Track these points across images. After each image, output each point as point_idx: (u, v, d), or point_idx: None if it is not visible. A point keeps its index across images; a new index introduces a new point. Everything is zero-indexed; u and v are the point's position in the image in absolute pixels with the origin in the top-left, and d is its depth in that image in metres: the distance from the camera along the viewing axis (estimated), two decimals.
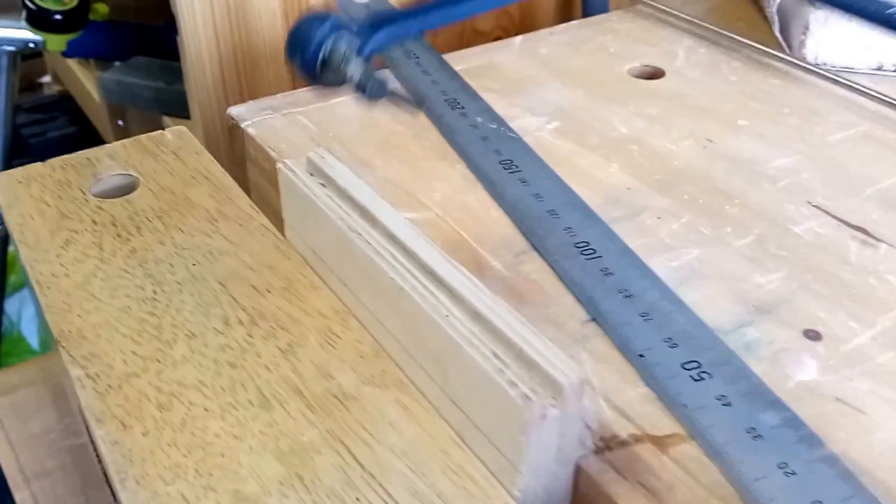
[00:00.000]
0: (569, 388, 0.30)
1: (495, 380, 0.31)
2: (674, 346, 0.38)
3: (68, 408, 0.56)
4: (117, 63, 1.07)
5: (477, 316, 0.34)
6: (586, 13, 0.91)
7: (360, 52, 0.38)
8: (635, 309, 0.40)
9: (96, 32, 0.99)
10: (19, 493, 0.53)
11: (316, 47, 0.38)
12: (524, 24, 0.92)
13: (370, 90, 0.38)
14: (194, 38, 0.73)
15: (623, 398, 0.36)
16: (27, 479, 0.54)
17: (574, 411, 0.31)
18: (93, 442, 0.38)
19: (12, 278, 1.29)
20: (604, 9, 0.90)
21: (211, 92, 0.76)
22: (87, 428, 0.37)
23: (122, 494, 0.33)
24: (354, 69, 0.38)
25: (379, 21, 0.40)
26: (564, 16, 0.95)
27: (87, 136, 1.40)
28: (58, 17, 0.94)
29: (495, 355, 0.32)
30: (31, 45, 0.96)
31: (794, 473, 0.32)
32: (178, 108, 0.99)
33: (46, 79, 1.64)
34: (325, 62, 0.38)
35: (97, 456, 0.39)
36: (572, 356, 0.37)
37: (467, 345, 0.32)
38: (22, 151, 1.38)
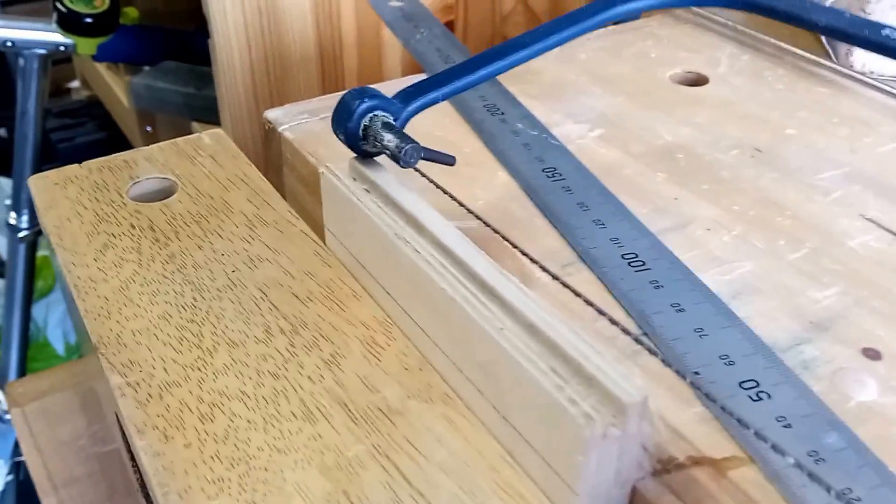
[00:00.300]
0: (632, 408, 0.29)
1: (554, 397, 0.30)
2: (730, 363, 0.37)
3: (98, 414, 0.56)
4: (147, 68, 1.07)
5: (532, 329, 0.32)
6: (618, 20, 0.90)
7: (395, 123, 0.41)
8: (688, 324, 0.39)
9: (127, 36, 0.99)
10: (47, 499, 0.53)
11: (356, 121, 0.40)
12: None
13: (405, 159, 0.39)
14: (226, 42, 0.72)
15: (679, 418, 0.35)
16: (55, 487, 0.53)
17: (635, 432, 0.30)
18: (129, 450, 0.37)
19: (39, 283, 1.28)
20: (635, 15, 0.89)
21: (242, 96, 0.75)
22: (126, 437, 0.36)
23: None
24: (389, 141, 0.39)
25: (413, 92, 0.42)
26: None
27: (115, 142, 1.40)
28: (88, 20, 0.94)
29: (553, 371, 0.31)
30: (62, 48, 0.96)
31: (858, 500, 0.31)
32: (208, 113, 0.99)
33: (75, 84, 1.65)
34: (364, 135, 0.40)
35: (134, 466, 0.38)
36: (632, 374, 0.36)
37: (523, 359, 0.31)
38: (51, 156, 1.39)
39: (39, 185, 0.47)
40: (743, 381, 0.36)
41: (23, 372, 1.15)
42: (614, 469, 0.31)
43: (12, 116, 1.03)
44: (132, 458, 0.38)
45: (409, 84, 0.43)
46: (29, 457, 0.54)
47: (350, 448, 0.34)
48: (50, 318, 1.38)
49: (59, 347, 1.38)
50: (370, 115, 0.40)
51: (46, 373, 0.59)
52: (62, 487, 0.53)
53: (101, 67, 1.27)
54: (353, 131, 0.40)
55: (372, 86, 0.43)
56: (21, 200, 1.06)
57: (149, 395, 0.36)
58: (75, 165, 0.49)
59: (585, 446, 0.29)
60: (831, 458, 0.32)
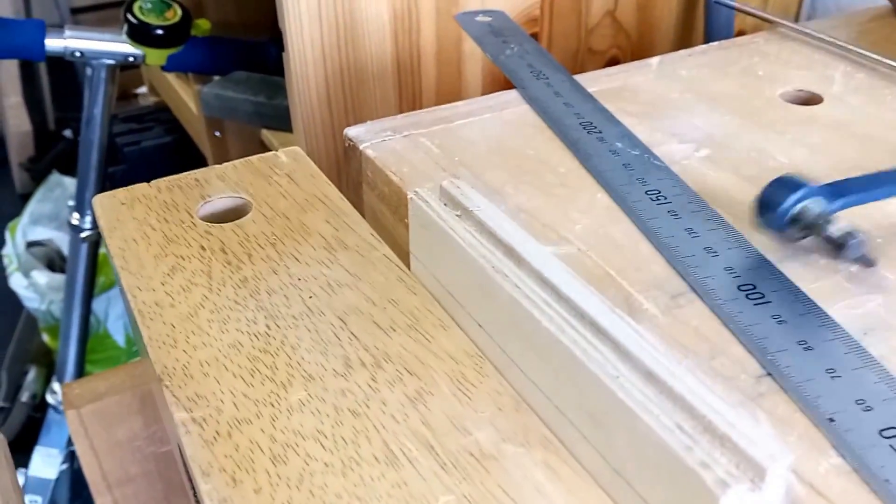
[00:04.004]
0: (773, 472, 0.25)
1: (681, 457, 0.26)
2: (868, 408, 0.33)
3: (155, 415, 0.54)
4: (217, 77, 1.05)
5: (651, 377, 0.29)
6: (709, 36, 0.86)
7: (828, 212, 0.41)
8: (819, 363, 0.35)
9: (197, 48, 0.97)
10: (101, 498, 0.52)
11: (785, 211, 0.41)
12: (642, 44, 0.88)
13: (852, 251, 0.40)
14: (301, 55, 0.70)
15: (814, 471, 0.31)
16: (109, 486, 0.52)
17: (775, 496, 0.26)
18: (193, 489, 0.34)
19: (101, 279, 1.29)
20: (728, 32, 0.85)
21: (316, 109, 0.73)
22: (191, 480, 0.33)
23: None
24: (835, 233, 0.40)
25: (840, 189, 0.42)
26: (684, 37, 0.91)
27: (182, 146, 1.41)
28: (159, 31, 0.93)
29: (680, 428, 0.27)
30: (131, 58, 0.95)
31: None
32: (278, 121, 0.98)
33: (143, 90, 1.66)
34: (794, 221, 0.41)
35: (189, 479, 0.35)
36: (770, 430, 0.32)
37: (644, 413, 0.27)
38: (117, 159, 1.39)
39: (105, 204, 0.44)
40: (884, 429, 0.32)
41: (81, 367, 1.15)
42: None
43: (79, 118, 1.02)
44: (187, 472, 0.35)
45: (837, 181, 0.43)
46: (84, 456, 0.52)
47: (439, 498, 0.30)
48: (111, 312, 1.39)
49: (120, 339, 1.38)
50: (803, 203, 0.41)
51: (104, 374, 0.56)
52: (116, 486, 0.52)
53: (169, 76, 1.27)
54: (783, 215, 0.41)
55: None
56: (84, 202, 1.05)
57: (216, 432, 0.32)
58: (143, 184, 0.46)
59: None
60: None
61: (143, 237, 0.42)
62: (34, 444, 1.20)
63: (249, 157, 0.48)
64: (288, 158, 0.48)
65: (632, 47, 0.87)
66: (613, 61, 0.87)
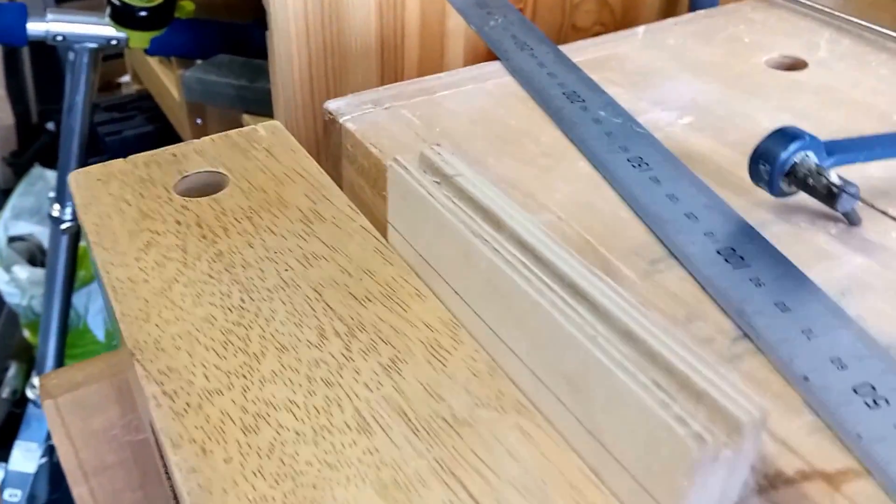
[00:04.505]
0: (749, 427, 0.25)
1: (658, 414, 0.25)
2: (843, 367, 0.33)
3: (132, 404, 0.53)
4: (199, 61, 1.04)
5: (629, 336, 0.28)
6: (694, 7, 0.85)
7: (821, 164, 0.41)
8: (795, 324, 0.34)
9: (180, 30, 0.97)
10: (77, 488, 0.51)
11: (789, 155, 0.41)
12: (626, 20, 0.87)
13: (843, 202, 0.40)
14: (284, 33, 0.69)
15: (787, 429, 0.31)
16: (86, 475, 0.52)
17: (749, 452, 0.26)
18: (167, 471, 0.33)
19: (81, 273, 1.29)
20: (713, 3, 0.85)
21: (298, 88, 0.72)
22: (164, 460, 0.32)
23: None
24: (833, 180, 0.40)
25: (840, 146, 0.42)
26: (668, 12, 0.90)
27: (164, 135, 1.40)
28: (142, 13, 0.92)
29: (656, 384, 0.26)
30: (114, 42, 0.94)
31: None
32: (260, 106, 0.97)
33: (126, 79, 1.65)
34: (789, 174, 0.41)
35: (166, 472, 0.35)
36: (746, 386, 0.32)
37: (621, 371, 0.27)
38: (98, 150, 1.39)
39: (80, 180, 0.44)
40: (858, 387, 0.32)
41: (60, 362, 1.15)
42: (719, 491, 0.26)
43: (60, 110, 1.02)
44: (169, 475, 0.35)
45: (840, 139, 0.43)
46: (61, 446, 0.52)
47: (410, 463, 0.30)
48: (91, 306, 1.39)
49: (100, 334, 1.38)
50: (803, 153, 0.41)
51: (81, 364, 0.56)
52: (93, 475, 0.51)
53: (152, 61, 1.26)
54: (782, 164, 0.41)
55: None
56: (65, 193, 1.04)
57: (187, 404, 0.32)
58: (120, 160, 0.45)
59: (692, 470, 0.25)
60: None
61: (118, 213, 0.42)
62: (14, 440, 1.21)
63: (228, 132, 0.47)
64: (266, 132, 0.48)
65: (616, 24, 0.87)
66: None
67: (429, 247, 0.37)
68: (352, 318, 0.36)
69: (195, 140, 0.47)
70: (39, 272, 1.39)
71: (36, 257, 1.48)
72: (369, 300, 0.37)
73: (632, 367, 0.27)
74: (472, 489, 0.29)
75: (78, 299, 1.35)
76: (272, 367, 0.33)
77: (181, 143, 0.46)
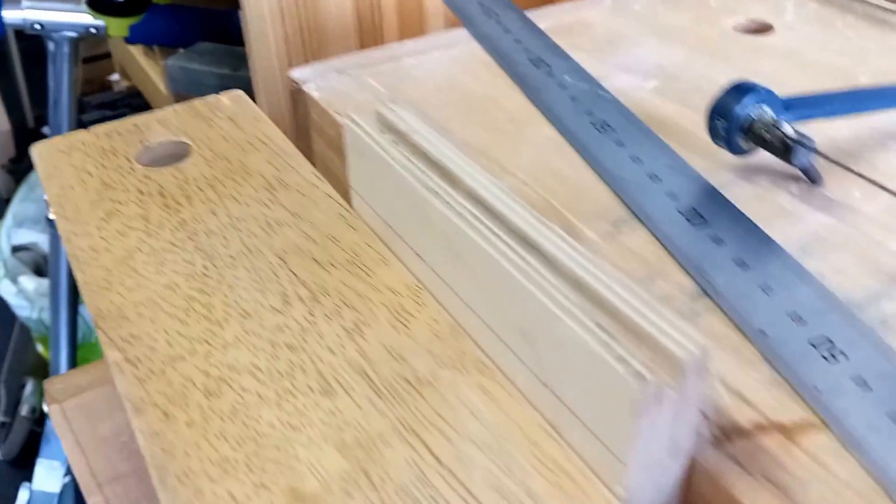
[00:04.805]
0: (690, 365, 0.25)
1: (600, 354, 0.26)
2: (801, 322, 0.33)
3: None
4: (181, 50, 1.04)
5: (577, 283, 0.28)
6: None
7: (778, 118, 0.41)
8: (754, 281, 0.35)
9: (159, 16, 0.96)
10: (92, 497, 0.51)
11: (745, 109, 0.41)
12: None
13: (799, 155, 0.40)
14: (258, 13, 0.69)
15: (744, 382, 0.31)
16: (100, 485, 0.51)
17: (693, 393, 0.26)
18: None
19: None
20: None
21: (276, 71, 0.72)
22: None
23: (161, 494, 0.28)
24: (788, 133, 0.40)
25: (797, 102, 0.42)
26: None
27: None
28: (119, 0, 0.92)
29: (599, 326, 0.26)
30: (92, 30, 0.94)
31: None
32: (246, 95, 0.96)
33: (115, 77, 1.65)
34: (747, 129, 0.41)
35: None
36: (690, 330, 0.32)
37: (565, 314, 0.27)
38: None
39: (42, 152, 0.44)
40: (815, 341, 0.32)
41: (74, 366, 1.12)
42: (668, 437, 0.27)
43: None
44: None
45: (797, 95, 0.43)
46: (71, 455, 0.52)
47: (372, 424, 0.30)
48: None
49: None
50: (758, 106, 0.41)
51: (87, 367, 0.56)
52: (107, 485, 0.51)
53: (138, 55, 1.26)
54: (739, 119, 0.41)
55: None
56: None
57: (150, 370, 0.32)
58: (83, 131, 0.45)
59: (635, 410, 0.25)
60: None
61: (80, 183, 0.42)
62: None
63: (191, 101, 0.47)
64: (230, 101, 0.48)
65: None
66: None
67: (389, 207, 0.37)
68: (315, 284, 0.36)
69: (157, 110, 0.46)
70: (47, 283, 1.36)
71: (42, 267, 1.43)
72: (333, 266, 0.37)
73: (578, 312, 0.27)
74: (433, 448, 0.29)
75: (86, 311, 1.32)
76: (235, 333, 0.33)
77: (143, 113, 0.46)
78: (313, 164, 0.46)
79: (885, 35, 0.55)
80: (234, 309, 0.35)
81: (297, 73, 0.49)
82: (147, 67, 1.26)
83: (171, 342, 0.33)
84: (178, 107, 0.47)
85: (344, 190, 0.42)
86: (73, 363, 1.12)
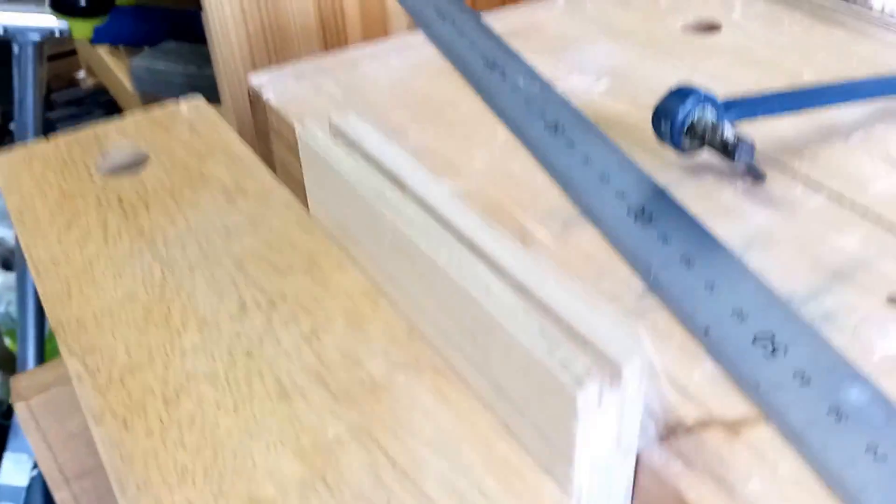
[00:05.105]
0: (629, 369, 0.26)
1: (543, 361, 0.26)
2: (743, 318, 0.34)
3: None
4: (147, 48, 1.04)
5: (521, 288, 0.29)
6: None
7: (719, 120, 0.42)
8: (699, 278, 0.36)
9: (123, 17, 0.97)
10: (60, 493, 0.52)
11: (687, 111, 0.42)
12: None
13: (740, 154, 0.41)
14: (219, 14, 0.69)
15: (688, 378, 0.32)
16: (67, 480, 0.52)
17: (635, 395, 0.27)
18: None
19: None
20: None
21: (241, 72, 0.72)
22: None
23: (122, 503, 0.29)
24: (728, 134, 0.41)
25: (738, 103, 0.43)
26: None
27: None
28: (82, 2, 0.92)
29: (543, 332, 0.27)
30: (57, 32, 0.94)
31: (885, 457, 0.28)
32: (212, 93, 0.96)
33: (81, 74, 1.64)
34: (689, 130, 0.42)
35: None
36: (631, 332, 0.33)
37: (511, 322, 0.28)
38: None
39: (3, 163, 0.44)
40: (757, 337, 0.33)
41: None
42: (614, 436, 0.28)
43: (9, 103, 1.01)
44: None
45: (740, 96, 0.44)
46: (38, 450, 0.52)
47: (329, 428, 0.31)
48: None
49: None
50: (699, 108, 0.42)
51: (50, 364, 0.56)
52: (74, 480, 0.52)
53: (104, 53, 1.26)
54: (681, 121, 0.42)
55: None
56: None
57: (109, 379, 0.33)
58: (42, 141, 0.46)
59: (578, 412, 0.26)
60: (853, 414, 0.30)
61: (40, 193, 0.42)
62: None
63: (150, 109, 0.48)
64: (189, 109, 0.48)
65: None
66: None
67: (343, 213, 0.38)
68: (273, 290, 0.36)
69: (116, 119, 0.47)
70: (13, 277, 1.37)
71: (9, 261, 1.44)
72: (291, 272, 0.37)
73: (522, 317, 0.28)
74: (389, 450, 0.30)
75: None
76: (193, 341, 0.34)
77: (102, 122, 0.47)
78: (273, 166, 0.46)
79: (831, 31, 0.56)
80: (192, 317, 0.35)
81: (255, 79, 0.50)
82: (113, 66, 1.26)
83: (130, 351, 0.34)
84: (138, 115, 0.47)
85: (303, 193, 0.43)
86: (41, 357, 1.13)
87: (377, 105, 0.48)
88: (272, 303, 0.36)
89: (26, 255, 0.39)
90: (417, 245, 0.32)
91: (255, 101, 0.50)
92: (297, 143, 0.45)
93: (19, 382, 0.54)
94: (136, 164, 0.44)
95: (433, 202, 0.33)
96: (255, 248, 0.39)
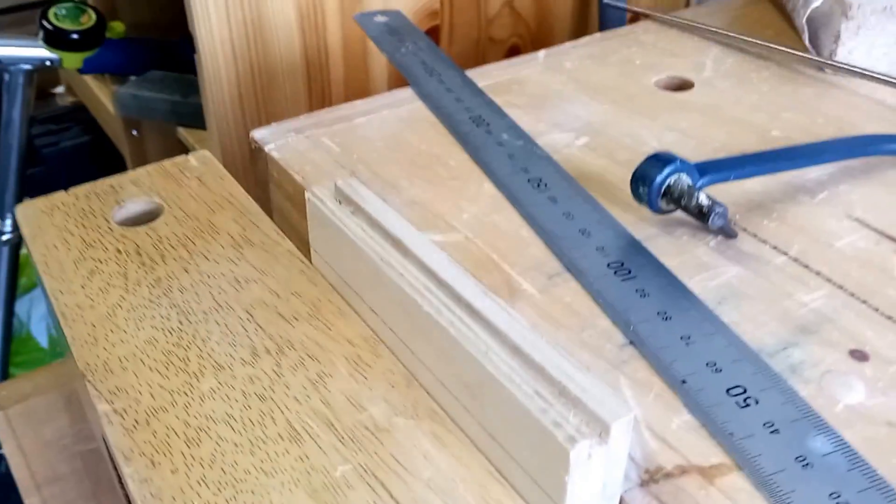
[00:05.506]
0: (616, 427, 0.29)
1: (538, 420, 0.30)
2: (717, 370, 0.37)
3: (81, 414, 0.56)
4: (133, 77, 1.07)
5: (516, 350, 0.33)
6: (603, 23, 0.90)
7: (695, 187, 0.46)
8: (676, 332, 0.39)
9: (113, 49, 0.99)
10: (30, 498, 0.53)
11: (663, 178, 0.45)
12: (541, 31, 0.92)
13: (714, 220, 0.44)
14: (212, 56, 0.73)
15: (667, 427, 0.35)
16: (38, 486, 0.53)
17: (621, 449, 0.30)
18: (120, 479, 0.37)
19: (23, 280, 1.29)
20: (620, 19, 0.90)
21: (228, 107, 0.76)
22: (117, 469, 0.36)
23: None
24: (702, 200, 0.44)
25: (710, 166, 0.47)
26: (580, 23, 0.94)
27: (100, 146, 1.41)
28: (74, 36, 0.95)
29: (538, 394, 0.31)
30: (48, 62, 0.97)
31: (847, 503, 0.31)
32: (194, 119, 1.00)
33: (60, 89, 1.66)
34: (665, 194, 0.45)
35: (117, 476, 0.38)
36: (611, 382, 0.37)
37: (508, 382, 0.31)
38: (35, 161, 1.39)
39: (27, 213, 0.48)
40: (730, 388, 0.36)
41: (5, 370, 1.15)
42: (600, 484, 0.31)
43: None
44: (123, 486, 0.38)
45: (711, 160, 0.48)
46: (12, 458, 0.54)
47: (337, 468, 0.34)
48: (34, 313, 1.38)
49: (43, 341, 1.37)
50: (675, 175, 0.45)
51: (30, 375, 0.59)
52: (45, 486, 0.53)
53: (86, 76, 1.28)
54: (658, 186, 0.45)
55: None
56: (4, 205, 1.06)
57: (136, 421, 0.36)
58: (62, 192, 0.49)
59: (570, 466, 0.29)
60: (819, 462, 0.33)
61: (63, 243, 0.45)
62: None
63: (162, 162, 0.51)
64: (198, 162, 0.52)
65: (531, 35, 0.91)
66: (514, 49, 0.91)
67: (347, 269, 0.41)
68: (281, 337, 0.40)
69: (131, 171, 0.50)
70: None
71: None
72: (296, 319, 0.41)
73: (518, 378, 0.32)
74: (392, 490, 0.33)
75: (20, 306, 1.34)
76: (210, 385, 0.37)
77: (118, 175, 0.50)
78: (269, 211, 0.50)
79: (798, 89, 0.59)
80: (208, 361, 0.39)
81: (258, 134, 0.53)
82: (96, 88, 1.28)
83: (154, 394, 0.37)
84: (150, 168, 0.51)
85: (299, 237, 0.46)
86: (6, 362, 1.15)
87: (371, 160, 0.51)
88: (280, 349, 0.39)
89: (53, 301, 0.42)
90: (420, 305, 0.35)
91: (256, 153, 0.53)
92: (295, 194, 0.48)
93: None
94: (150, 214, 0.48)
95: (433, 266, 0.37)
96: (262, 297, 0.42)
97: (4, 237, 1.07)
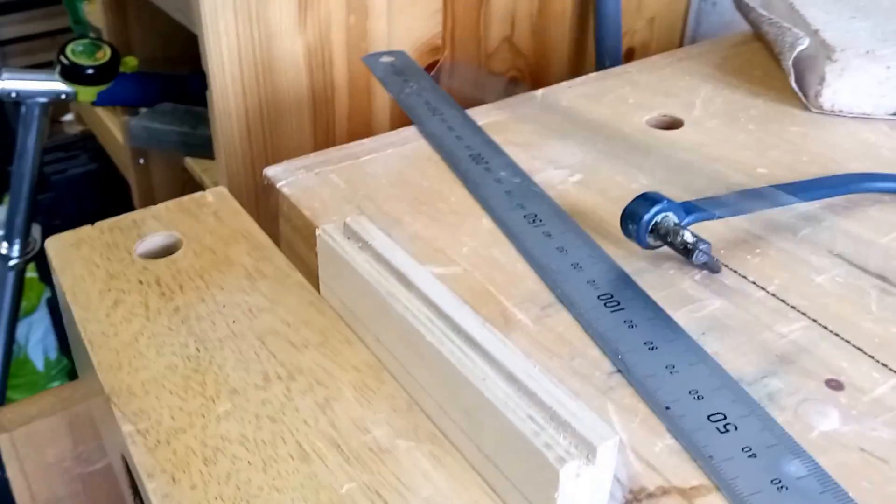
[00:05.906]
0: (602, 449, 0.32)
1: (531, 442, 0.33)
2: (699, 398, 0.39)
3: (83, 436, 0.58)
4: (143, 109, 1.10)
5: (511, 378, 0.35)
6: (600, 60, 0.93)
7: (681, 224, 0.48)
8: (661, 361, 0.41)
9: (126, 83, 1.02)
10: None
11: (650, 217, 0.48)
12: (539, 65, 0.94)
13: (699, 256, 0.47)
14: (223, 92, 0.75)
15: (650, 450, 0.37)
16: None
17: (607, 469, 0.33)
18: (134, 493, 0.40)
19: (22, 304, 1.30)
20: (616, 54, 0.93)
21: (237, 141, 0.78)
22: (134, 487, 0.39)
23: None
24: (688, 238, 0.47)
25: (696, 206, 0.49)
26: (578, 57, 0.97)
27: (107, 173, 1.43)
28: (90, 71, 0.97)
29: (531, 418, 0.34)
30: (63, 95, 0.99)
31: None
32: (202, 150, 1.03)
33: (68, 118, 1.68)
34: (653, 231, 0.48)
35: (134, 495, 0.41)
36: (599, 408, 0.39)
37: (503, 407, 0.34)
38: (44, 188, 1.41)
39: (55, 245, 0.51)
40: (711, 415, 0.38)
41: (2, 393, 1.16)
42: (587, 502, 0.33)
43: (5, 145, 1.05)
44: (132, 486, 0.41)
45: (696, 199, 0.50)
46: (14, 480, 0.56)
47: (343, 486, 0.36)
48: (31, 337, 1.39)
49: (39, 364, 1.39)
50: (662, 214, 0.48)
51: (33, 398, 0.60)
52: None
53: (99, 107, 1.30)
54: (646, 224, 0.48)
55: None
56: (14, 230, 1.08)
57: (157, 440, 0.38)
58: (87, 226, 0.52)
59: (559, 485, 0.32)
60: (793, 485, 0.35)
61: (89, 274, 0.48)
62: None
63: (180, 199, 0.54)
64: (214, 198, 0.55)
65: (530, 68, 0.94)
66: (513, 81, 0.94)
67: (354, 301, 0.44)
68: (291, 364, 0.42)
69: (152, 206, 0.53)
70: None
71: None
72: (306, 347, 0.44)
73: (513, 403, 0.34)
74: None
75: (19, 330, 1.35)
76: (225, 408, 0.40)
77: (139, 210, 0.53)
78: (279, 241, 0.53)
79: (784, 128, 0.62)
80: (223, 386, 0.41)
81: (271, 171, 0.56)
82: (105, 118, 1.31)
83: (174, 416, 0.40)
84: (169, 203, 0.54)
85: (307, 269, 0.49)
86: (5, 385, 1.16)
87: (376, 196, 0.54)
88: (291, 375, 0.42)
89: (81, 329, 0.45)
90: (423, 336, 0.38)
91: (268, 189, 0.56)
92: (304, 228, 0.51)
93: (4, 415, 0.59)
94: (170, 247, 0.51)
95: (436, 300, 0.40)
96: (274, 326, 0.45)
97: (12, 262, 1.09)
